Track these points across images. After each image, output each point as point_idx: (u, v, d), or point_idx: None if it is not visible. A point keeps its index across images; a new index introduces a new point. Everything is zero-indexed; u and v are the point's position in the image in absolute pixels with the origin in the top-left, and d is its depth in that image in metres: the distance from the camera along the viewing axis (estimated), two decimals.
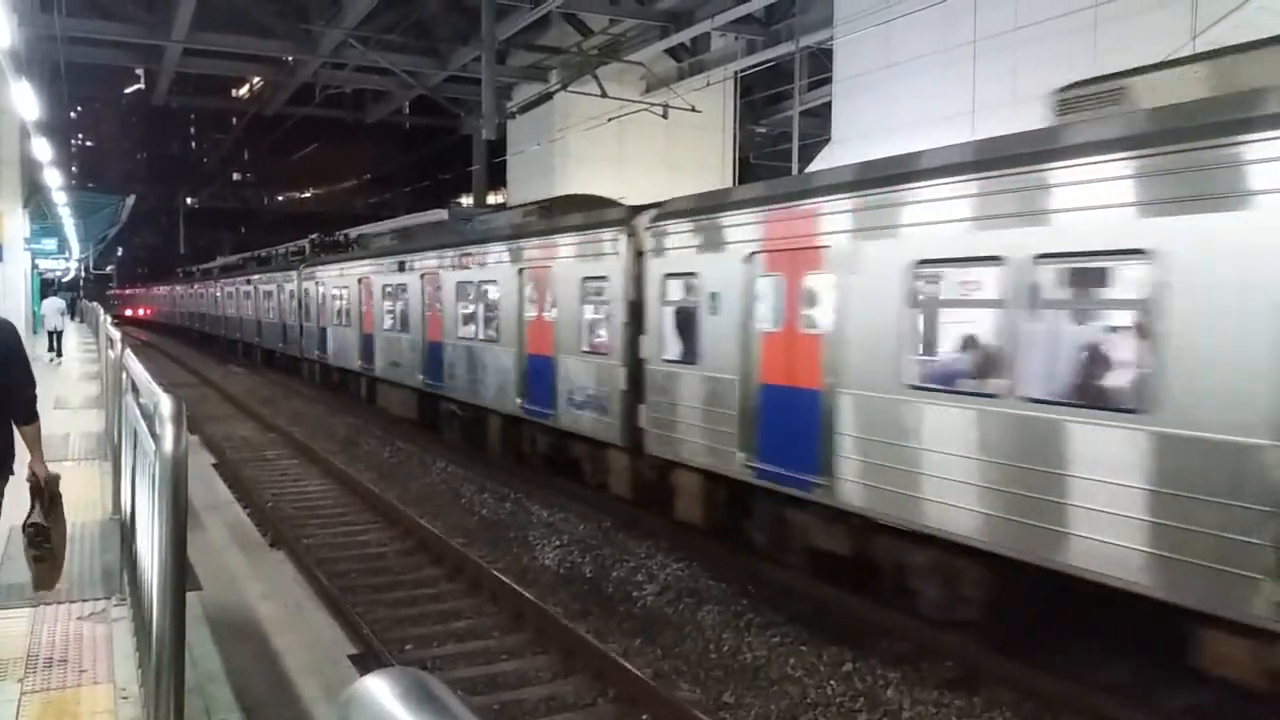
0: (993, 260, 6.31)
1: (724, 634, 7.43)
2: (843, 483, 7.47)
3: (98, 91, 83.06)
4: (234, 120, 68.06)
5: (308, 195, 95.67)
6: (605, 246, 10.89)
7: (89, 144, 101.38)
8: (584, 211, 12.21)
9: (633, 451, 10.52)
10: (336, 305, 22.11)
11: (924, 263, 6.87)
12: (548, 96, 24.15)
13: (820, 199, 7.82)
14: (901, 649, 7.08)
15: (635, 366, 10.37)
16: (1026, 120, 7.06)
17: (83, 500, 7.69)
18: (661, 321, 9.97)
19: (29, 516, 4.66)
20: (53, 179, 24.47)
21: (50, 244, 31.63)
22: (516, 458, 13.57)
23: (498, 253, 13.68)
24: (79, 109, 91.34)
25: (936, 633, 7.14)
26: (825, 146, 20.39)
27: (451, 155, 46.02)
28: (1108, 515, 5.55)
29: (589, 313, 11.38)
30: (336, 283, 22.15)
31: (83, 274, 66.36)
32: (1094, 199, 5.71)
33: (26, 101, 15.38)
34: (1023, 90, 13.68)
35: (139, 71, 53.32)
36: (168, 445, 2.84)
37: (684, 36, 24.13)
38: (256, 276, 32.33)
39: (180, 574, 2.89)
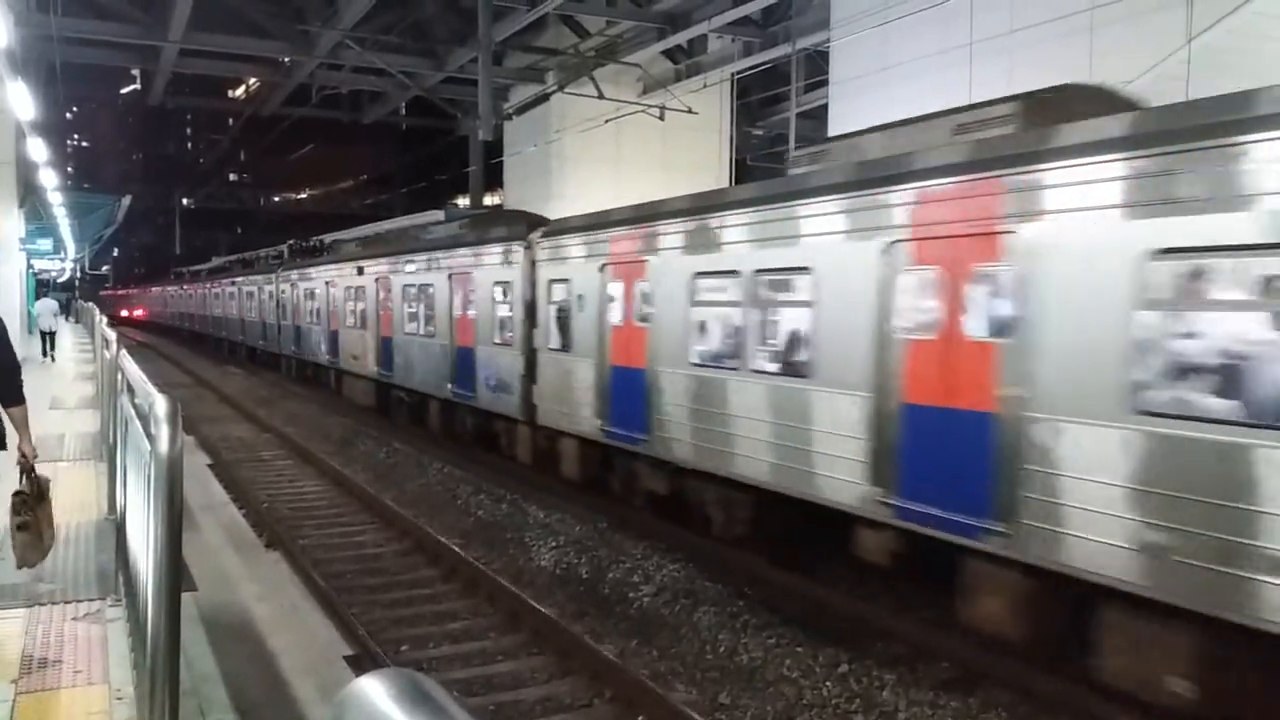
0: (733, 273, 8.81)
1: (720, 635, 7.44)
2: (656, 438, 9.91)
3: (94, 92, 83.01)
4: (230, 121, 67.96)
5: (304, 196, 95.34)
6: (510, 256, 13.18)
7: (85, 144, 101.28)
8: (505, 225, 14.20)
9: (530, 424, 12.75)
10: (308, 305, 24.32)
11: (698, 274, 9.32)
12: (544, 98, 24.13)
13: (642, 225, 10.24)
14: (897, 650, 7.10)
15: (530, 354, 12.66)
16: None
17: (78, 501, 7.68)
18: (548, 318, 12.23)
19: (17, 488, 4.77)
20: (48, 179, 24.44)
21: (46, 244, 31.59)
22: (452, 437, 15.66)
23: (434, 260, 15.97)
24: (75, 109, 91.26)
25: (933, 634, 7.18)
26: None
27: (448, 156, 45.87)
28: (789, 446, 8.07)
29: (500, 311, 13.61)
30: (307, 285, 24.47)
31: (78, 274, 66.29)
32: (784, 231, 8.16)
33: (22, 101, 15.36)
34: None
35: (135, 72, 53.39)
36: (163, 445, 2.83)
37: (681, 38, 24.07)
38: (240, 278, 34.39)
39: (175, 575, 2.89)
